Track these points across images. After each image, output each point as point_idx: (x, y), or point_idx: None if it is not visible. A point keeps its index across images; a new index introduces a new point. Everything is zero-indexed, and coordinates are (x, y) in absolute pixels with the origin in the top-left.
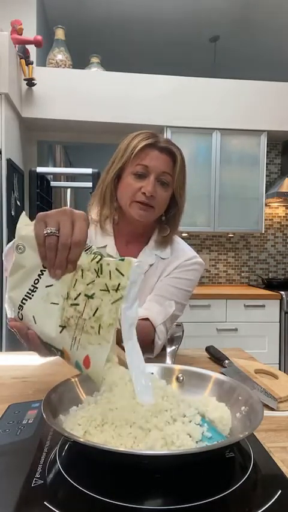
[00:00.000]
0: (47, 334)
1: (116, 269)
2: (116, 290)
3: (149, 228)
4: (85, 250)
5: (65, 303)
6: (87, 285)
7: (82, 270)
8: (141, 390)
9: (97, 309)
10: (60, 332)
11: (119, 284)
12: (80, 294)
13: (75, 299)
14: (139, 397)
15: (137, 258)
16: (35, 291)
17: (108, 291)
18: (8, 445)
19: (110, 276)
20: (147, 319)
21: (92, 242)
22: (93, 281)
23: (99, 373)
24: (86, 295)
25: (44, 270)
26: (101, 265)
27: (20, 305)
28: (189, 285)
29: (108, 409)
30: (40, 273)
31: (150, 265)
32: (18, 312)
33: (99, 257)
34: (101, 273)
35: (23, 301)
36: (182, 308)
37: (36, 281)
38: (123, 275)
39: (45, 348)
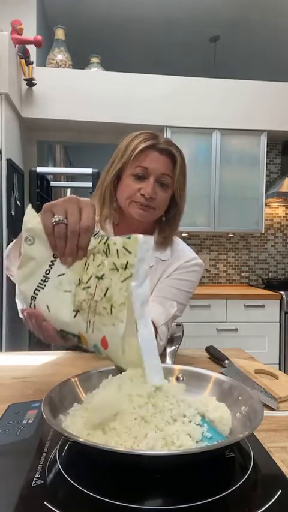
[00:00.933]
0: (62, 320)
1: (123, 247)
2: (125, 268)
3: (148, 229)
4: (93, 236)
5: (77, 288)
6: (98, 266)
7: (93, 254)
8: (151, 370)
9: (107, 289)
10: (75, 317)
11: (127, 262)
12: (91, 276)
13: (87, 282)
14: (150, 378)
15: None
16: (47, 281)
17: (117, 269)
18: (8, 445)
19: (118, 254)
20: None
21: None
22: (103, 262)
23: (118, 352)
24: (96, 276)
25: (55, 260)
26: (108, 245)
27: (32, 296)
28: (190, 286)
29: (108, 409)
30: (51, 263)
31: (150, 267)
32: (31, 303)
33: (106, 237)
34: (109, 253)
35: (36, 291)
36: (182, 309)
37: (47, 271)
38: (130, 253)
39: (61, 337)
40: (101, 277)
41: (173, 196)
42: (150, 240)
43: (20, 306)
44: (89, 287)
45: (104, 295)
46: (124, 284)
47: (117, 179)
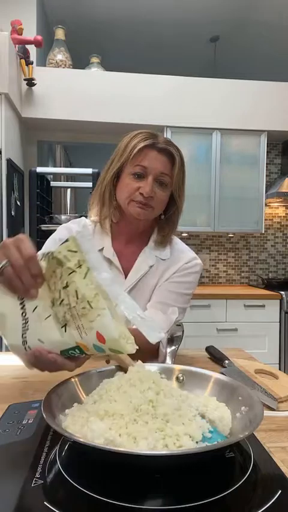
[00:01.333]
0: (57, 341)
1: (68, 250)
2: (79, 266)
3: (148, 227)
4: (41, 260)
5: (54, 308)
6: (60, 279)
7: (52, 273)
8: (147, 330)
9: (77, 291)
10: (65, 331)
11: (78, 260)
12: (59, 291)
13: (59, 298)
14: (148, 338)
15: (137, 259)
16: (27, 321)
17: (75, 271)
18: (8, 445)
19: (68, 259)
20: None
21: None
22: (61, 273)
23: (115, 337)
24: (63, 287)
25: (23, 301)
26: (56, 257)
27: (23, 341)
28: (190, 288)
29: (108, 410)
30: (22, 306)
31: (150, 267)
32: (25, 347)
33: (50, 253)
34: (61, 263)
35: (24, 336)
36: (183, 312)
37: (23, 313)
38: (76, 251)
39: (67, 359)
40: (66, 286)
41: (171, 195)
42: (84, 230)
43: (21, 359)
44: (62, 300)
45: (77, 297)
46: (87, 279)
47: (116, 178)
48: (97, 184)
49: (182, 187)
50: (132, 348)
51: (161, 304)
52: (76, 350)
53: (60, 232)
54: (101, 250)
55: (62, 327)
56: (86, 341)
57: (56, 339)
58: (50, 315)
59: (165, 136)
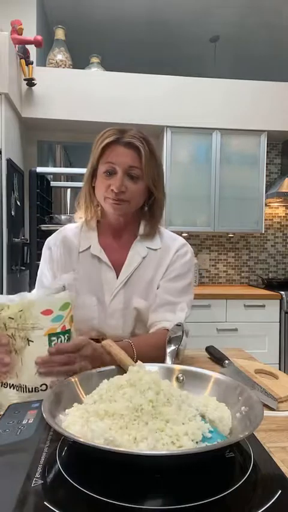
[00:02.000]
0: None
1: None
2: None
3: (133, 221)
4: None
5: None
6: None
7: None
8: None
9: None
10: (29, 344)
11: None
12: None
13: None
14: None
15: (128, 253)
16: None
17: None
18: (8, 445)
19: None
20: (166, 329)
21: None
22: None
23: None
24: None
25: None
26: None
27: (3, 383)
28: (188, 277)
29: (108, 410)
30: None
31: (144, 258)
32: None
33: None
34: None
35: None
36: (190, 303)
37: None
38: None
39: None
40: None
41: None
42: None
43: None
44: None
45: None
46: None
47: (93, 178)
48: (83, 184)
49: (157, 178)
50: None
51: (167, 305)
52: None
53: (45, 254)
54: (88, 248)
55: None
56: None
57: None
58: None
59: (165, 136)
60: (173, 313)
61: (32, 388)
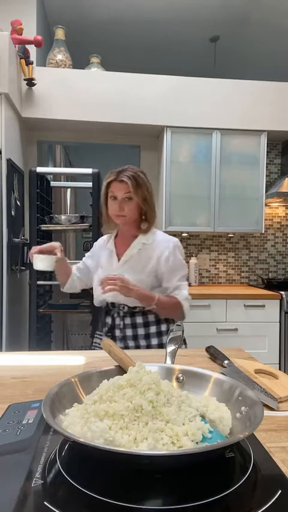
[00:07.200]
0: None
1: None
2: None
3: (135, 227)
4: None
5: None
6: None
7: None
8: None
9: None
10: None
11: None
12: None
13: None
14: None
15: (130, 247)
16: None
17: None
18: (8, 445)
19: None
20: (176, 299)
21: (105, 245)
22: None
23: None
24: None
25: None
26: None
27: None
28: (181, 259)
29: (108, 410)
30: None
31: (139, 249)
32: None
33: None
34: None
35: None
36: (187, 275)
37: None
38: None
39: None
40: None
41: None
42: None
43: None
44: None
45: None
46: None
47: (106, 201)
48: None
49: (147, 197)
50: None
51: (172, 289)
52: None
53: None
54: (107, 245)
55: None
56: None
57: None
58: None
59: (165, 136)
60: (180, 291)
61: None
